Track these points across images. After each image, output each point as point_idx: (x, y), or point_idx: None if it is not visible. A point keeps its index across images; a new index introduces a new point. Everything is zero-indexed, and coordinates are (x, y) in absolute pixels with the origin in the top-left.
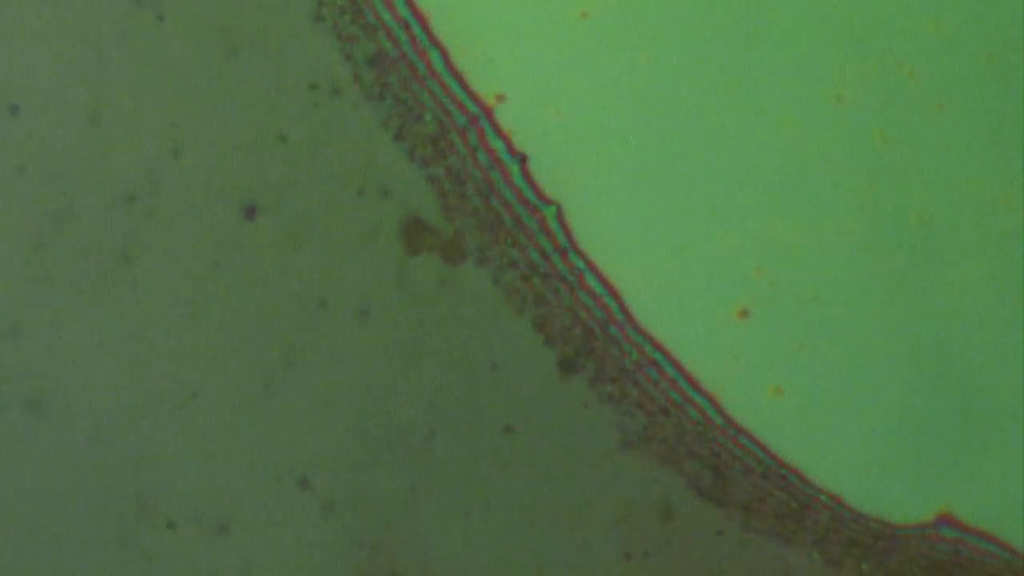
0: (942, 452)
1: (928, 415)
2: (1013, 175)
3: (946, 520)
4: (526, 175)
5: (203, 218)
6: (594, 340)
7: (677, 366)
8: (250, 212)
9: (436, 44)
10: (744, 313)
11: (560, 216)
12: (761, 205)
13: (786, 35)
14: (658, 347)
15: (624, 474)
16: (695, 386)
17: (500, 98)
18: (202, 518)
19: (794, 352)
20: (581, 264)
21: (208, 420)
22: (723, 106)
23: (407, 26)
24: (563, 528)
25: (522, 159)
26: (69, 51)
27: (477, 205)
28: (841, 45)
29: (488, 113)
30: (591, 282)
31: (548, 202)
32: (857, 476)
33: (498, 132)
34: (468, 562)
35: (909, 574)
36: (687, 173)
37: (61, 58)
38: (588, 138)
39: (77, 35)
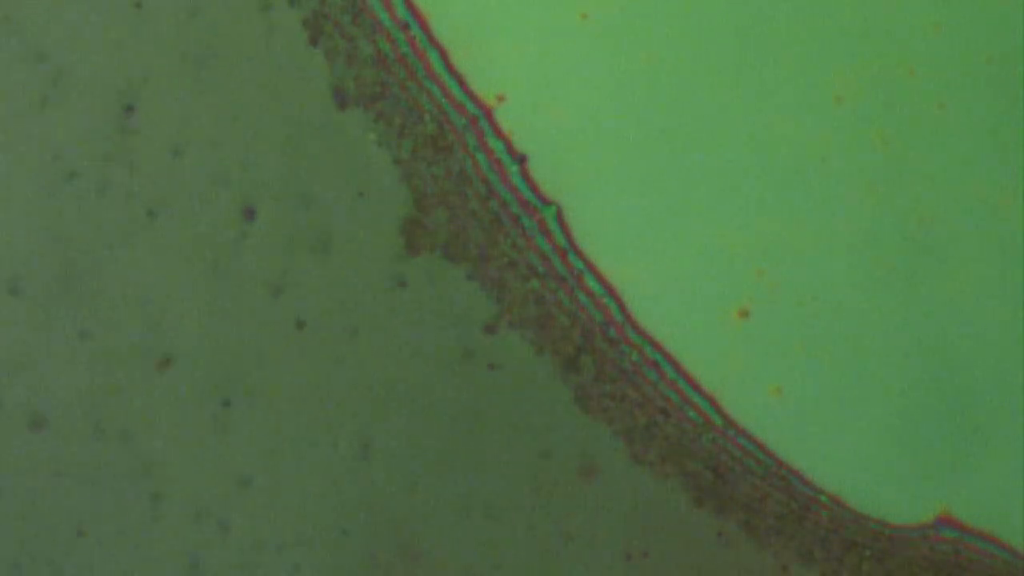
0: (942, 452)
1: (928, 415)
2: (1013, 175)
3: (946, 520)
4: (525, 176)
5: (203, 218)
6: (594, 341)
7: (677, 367)
8: (250, 212)
9: (435, 45)
10: (744, 313)
11: (559, 216)
12: (761, 205)
13: (786, 35)
14: (658, 348)
15: (624, 474)
16: (695, 386)
17: (500, 99)
18: (201, 514)
19: (794, 352)
20: (580, 265)
21: (206, 423)
22: (723, 106)
23: (406, 27)
24: (563, 528)
25: (522, 159)
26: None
27: (477, 206)
28: (841, 45)
29: (488, 114)
30: (590, 283)
31: (547, 202)
32: (857, 476)
33: (498, 133)
34: (468, 562)
35: (909, 574)
36: (687, 173)
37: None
38: (588, 138)
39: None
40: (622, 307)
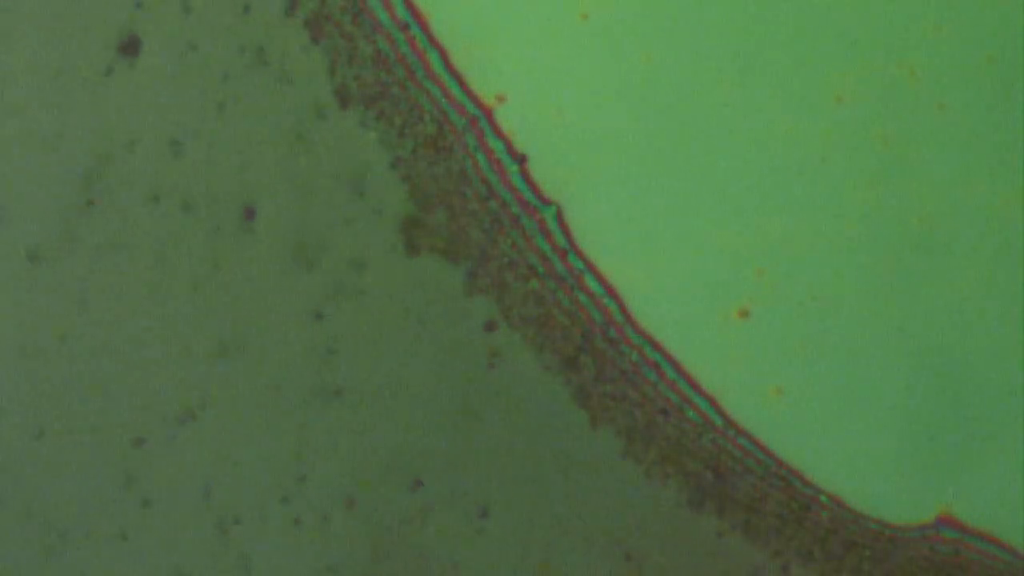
0: (942, 452)
1: (928, 415)
2: (1013, 175)
3: (946, 520)
4: (526, 176)
5: (203, 218)
6: (594, 341)
7: (677, 367)
8: (250, 213)
9: (435, 45)
10: (744, 313)
11: (560, 217)
12: (761, 205)
13: (786, 35)
14: (658, 348)
15: (625, 475)
16: (695, 387)
17: (500, 99)
18: (204, 517)
19: (794, 352)
20: (581, 265)
21: (211, 427)
22: (723, 106)
23: (406, 27)
24: (564, 529)
25: (522, 160)
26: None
27: (476, 206)
28: (841, 45)
29: (488, 114)
30: (591, 283)
31: (548, 203)
32: (857, 476)
33: (498, 133)
34: (468, 563)
35: (909, 574)
36: (687, 173)
37: (57, 65)
38: (588, 138)
39: (73, 37)
40: (622, 307)
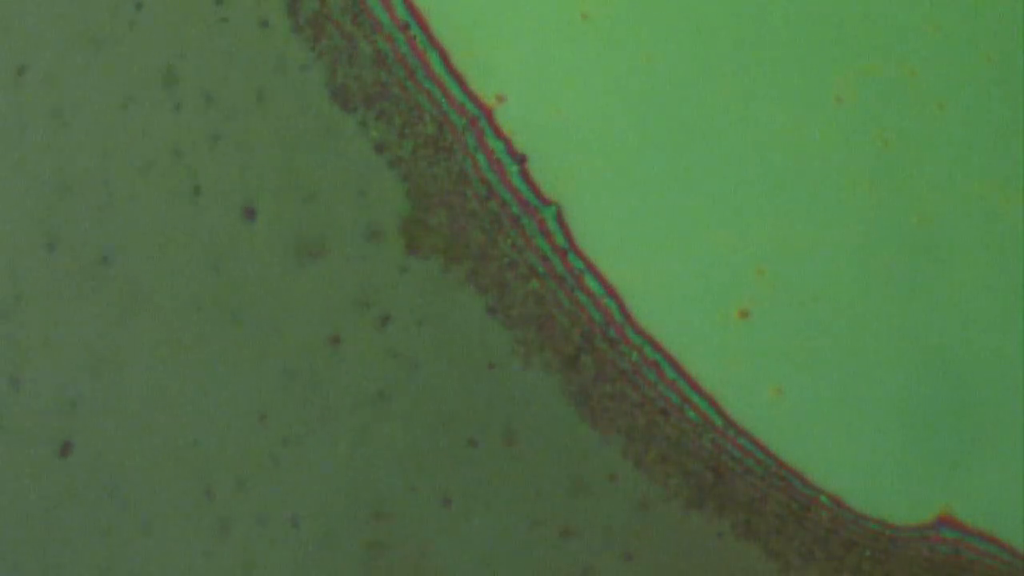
0: (942, 452)
1: (928, 415)
2: (1014, 175)
3: (946, 521)
4: (525, 176)
5: (203, 218)
6: (594, 341)
7: (677, 367)
8: (250, 213)
9: (435, 45)
10: (744, 313)
11: (560, 217)
12: (761, 205)
13: (786, 35)
14: (658, 348)
15: (624, 474)
16: (695, 387)
17: (500, 99)
18: (203, 515)
19: (794, 352)
20: (580, 265)
21: (205, 421)
22: (723, 106)
23: (406, 27)
24: (563, 528)
25: (522, 160)
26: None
27: (476, 206)
28: (841, 45)
29: (488, 114)
30: (590, 283)
31: (547, 203)
32: (857, 476)
33: (498, 133)
34: (468, 563)
35: (909, 574)
36: (687, 174)
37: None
38: (588, 138)
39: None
40: (622, 307)
